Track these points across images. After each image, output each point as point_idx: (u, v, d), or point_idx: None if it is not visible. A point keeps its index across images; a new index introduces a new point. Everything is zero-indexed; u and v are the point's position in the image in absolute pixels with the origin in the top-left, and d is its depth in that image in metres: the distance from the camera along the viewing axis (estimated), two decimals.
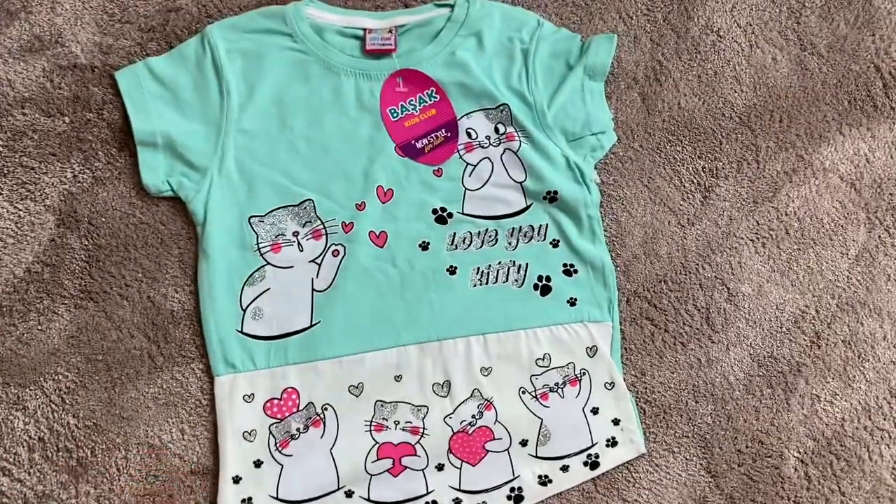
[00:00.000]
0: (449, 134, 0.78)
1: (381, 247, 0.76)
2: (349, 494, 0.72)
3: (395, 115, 0.78)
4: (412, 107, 0.78)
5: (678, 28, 0.84)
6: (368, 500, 0.72)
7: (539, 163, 0.78)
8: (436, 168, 0.78)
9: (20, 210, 0.74)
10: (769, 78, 0.84)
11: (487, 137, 0.78)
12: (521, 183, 0.78)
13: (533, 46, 0.80)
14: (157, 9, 0.79)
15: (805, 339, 0.80)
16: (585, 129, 0.79)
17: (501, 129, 0.78)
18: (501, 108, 0.78)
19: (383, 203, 0.76)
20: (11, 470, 0.70)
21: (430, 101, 0.78)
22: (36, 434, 0.71)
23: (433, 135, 0.78)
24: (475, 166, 0.78)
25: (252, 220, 0.74)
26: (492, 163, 0.78)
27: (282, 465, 0.72)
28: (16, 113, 0.75)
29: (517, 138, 0.78)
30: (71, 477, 0.71)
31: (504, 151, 0.78)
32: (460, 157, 0.78)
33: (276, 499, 0.71)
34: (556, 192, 0.77)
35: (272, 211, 0.75)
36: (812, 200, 0.83)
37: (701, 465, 0.77)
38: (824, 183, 0.83)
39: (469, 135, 0.78)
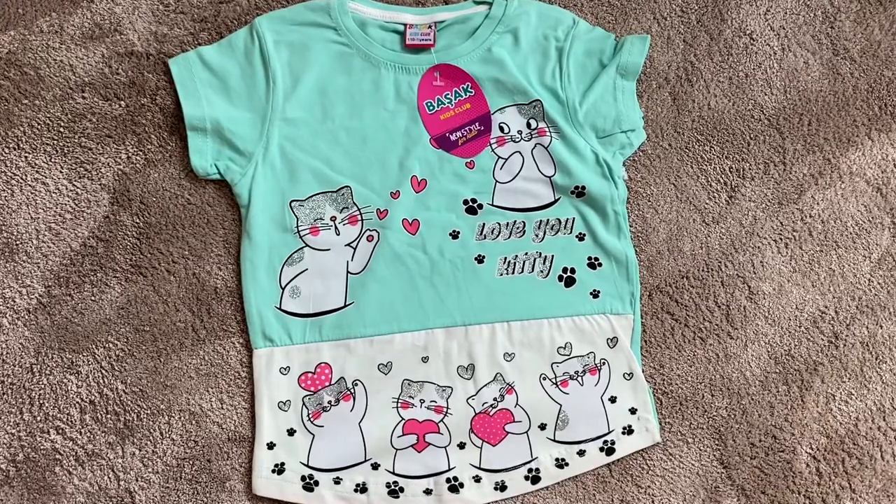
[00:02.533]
0: (482, 128, 0.81)
1: (414, 234, 0.79)
2: (375, 466, 0.76)
3: (431, 108, 0.81)
4: (448, 100, 0.81)
5: (711, 30, 0.86)
6: (393, 472, 0.76)
7: (569, 158, 0.80)
8: (468, 160, 0.81)
9: (78, 188, 0.79)
10: (800, 81, 0.86)
11: (519, 132, 0.81)
12: (550, 177, 0.81)
13: (567, 44, 0.82)
14: (209, 0, 0.83)
15: (823, 339, 0.82)
16: (616, 126, 0.81)
17: (533, 124, 0.81)
18: (534, 103, 0.81)
19: (417, 192, 0.80)
20: (65, 429, 0.76)
21: (466, 95, 0.81)
22: (87, 397, 0.76)
23: (467, 128, 0.81)
24: (506, 160, 0.81)
25: (293, 204, 0.78)
26: (522, 157, 0.81)
27: (313, 435, 0.76)
28: (76, 96, 0.80)
29: (548, 134, 0.81)
30: (118, 438, 0.76)
31: (535, 146, 0.81)
32: (492, 150, 0.81)
33: (307, 466, 0.76)
34: (584, 188, 0.80)
35: (312, 196, 0.79)
36: (837, 203, 0.84)
37: (714, 456, 0.79)
38: (850, 187, 0.84)
39: (502, 129, 0.81)
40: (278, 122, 0.79)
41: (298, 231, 0.78)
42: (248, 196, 0.78)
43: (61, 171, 0.79)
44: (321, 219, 0.79)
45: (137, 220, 0.79)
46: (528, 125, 0.81)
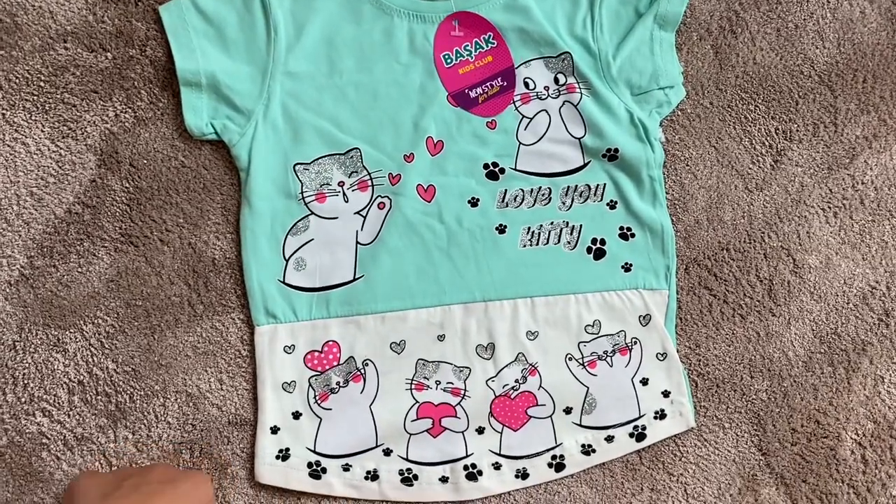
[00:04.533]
0: (505, 83, 0.74)
1: (429, 201, 0.73)
2: (387, 452, 0.71)
3: (448, 61, 0.73)
4: (467, 53, 0.74)
5: None
6: (407, 459, 0.71)
7: (600, 117, 0.73)
8: (489, 120, 0.73)
9: (61, 149, 0.73)
10: (855, 34, 0.78)
11: (546, 88, 0.74)
12: (579, 139, 0.73)
13: None
14: None
15: (873, 317, 0.76)
16: (653, 82, 0.74)
17: (562, 79, 0.74)
18: (563, 56, 0.73)
19: (433, 155, 0.73)
20: (51, 411, 0.70)
21: (487, 46, 0.74)
22: (76, 377, 0.71)
23: (488, 84, 0.74)
24: (531, 119, 0.74)
25: (297, 168, 0.72)
26: (549, 116, 0.74)
27: (320, 419, 0.71)
28: (58, 47, 0.73)
29: (578, 90, 0.73)
30: (109, 421, 0.71)
31: (563, 104, 0.74)
32: (516, 108, 0.74)
33: (314, 451, 0.70)
34: (616, 150, 0.73)
35: (318, 159, 0.72)
36: (892, 168, 0.77)
37: (752, 442, 0.74)
38: None
39: (526, 85, 0.74)
40: (280, 76, 0.72)
41: (303, 197, 0.72)
42: (247, 158, 0.71)
43: (42, 131, 0.73)
44: (328, 184, 0.72)
45: (127, 185, 0.73)
46: (556, 81, 0.74)
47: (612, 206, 0.74)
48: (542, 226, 0.73)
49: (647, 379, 0.73)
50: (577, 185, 0.74)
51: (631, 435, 0.73)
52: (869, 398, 0.75)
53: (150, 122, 0.73)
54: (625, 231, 0.74)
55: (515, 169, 0.73)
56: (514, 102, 0.74)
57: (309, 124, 0.72)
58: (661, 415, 0.73)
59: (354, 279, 0.71)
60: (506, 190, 0.73)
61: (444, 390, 0.72)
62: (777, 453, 0.74)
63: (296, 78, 0.72)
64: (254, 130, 0.71)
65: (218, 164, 0.73)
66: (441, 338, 0.72)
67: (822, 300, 0.76)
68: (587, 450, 0.72)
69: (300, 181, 0.72)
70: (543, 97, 0.74)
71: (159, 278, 0.72)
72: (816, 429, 0.74)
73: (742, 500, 0.74)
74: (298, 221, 0.72)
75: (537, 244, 0.73)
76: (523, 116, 0.74)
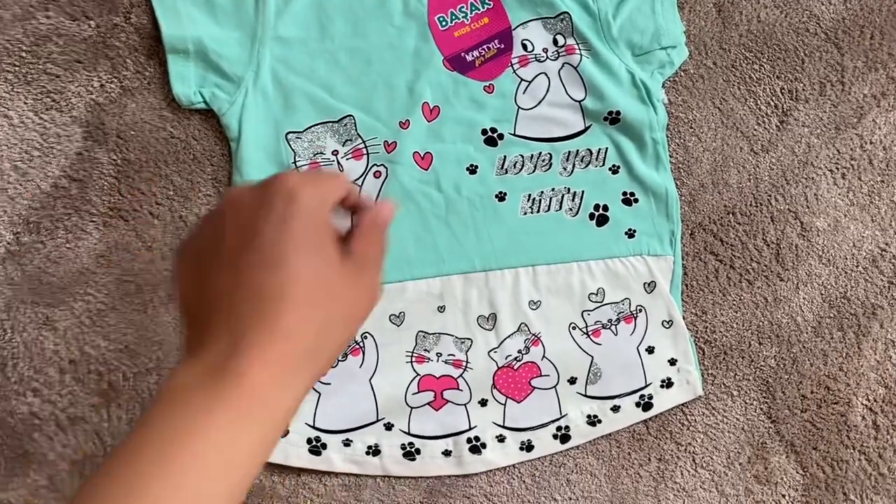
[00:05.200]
0: (502, 46, 0.71)
1: (426, 169, 0.70)
2: (389, 427, 0.69)
3: (443, 23, 0.71)
4: (463, 14, 0.71)
5: None
6: (409, 433, 0.69)
7: (601, 79, 0.71)
8: (487, 84, 0.71)
9: (45, 121, 0.70)
10: None
11: (545, 50, 0.71)
12: (579, 102, 0.71)
13: None
14: None
15: (883, 280, 0.74)
16: (654, 42, 0.71)
17: (561, 40, 0.71)
18: (562, 16, 0.71)
19: (429, 122, 0.71)
20: (42, 391, 0.69)
21: (483, 8, 0.71)
22: (66, 355, 0.69)
23: (485, 46, 0.71)
24: (530, 82, 0.71)
25: (289, 137, 0.69)
26: (548, 79, 0.71)
27: (319, 393, 0.69)
28: (39, 16, 0.70)
29: (578, 51, 0.71)
30: (102, 400, 0.69)
31: (562, 66, 0.71)
32: (514, 71, 0.71)
33: (313, 427, 0.69)
34: (618, 113, 0.71)
35: (310, 127, 0.70)
36: None
37: (761, 409, 0.72)
38: None
39: (524, 47, 0.71)
40: (270, 41, 0.69)
41: (297, 167, 0.69)
42: (237, 128, 0.69)
43: (26, 103, 0.70)
44: (321, 153, 0.70)
45: (115, 157, 0.70)
46: (555, 42, 0.71)
47: (614, 170, 0.72)
48: (542, 192, 0.71)
49: (653, 347, 0.71)
50: (578, 150, 0.72)
51: (637, 404, 0.71)
52: (880, 363, 0.73)
53: (137, 92, 0.71)
54: (628, 196, 0.72)
55: (514, 134, 0.71)
56: (512, 65, 0.71)
57: (300, 91, 0.70)
58: (667, 383, 0.71)
59: None
60: (505, 156, 0.71)
61: (446, 362, 0.70)
62: (787, 420, 0.72)
63: (286, 43, 0.70)
64: (243, 98, 0.69)
65: (208, 134, 0.71)
66: (441, 309, 0.70)
67: (830, 263, 0.74)
68: (593, 420, 0.70)
69: (292, 150, 0.69)
70: (542, 59, 0.71)
71: (150, 252, 0.70)
72: (826, 395, 0.73)
73: (752, 468, 0.72)
74: None
75: (538, 211, 0.71)
76: (522, 80, 0.71)
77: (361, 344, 0.69)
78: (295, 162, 0.69)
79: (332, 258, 0.37)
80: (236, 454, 0.33)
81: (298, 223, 0.36)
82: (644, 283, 0.71)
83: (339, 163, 0.70)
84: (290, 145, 0.69)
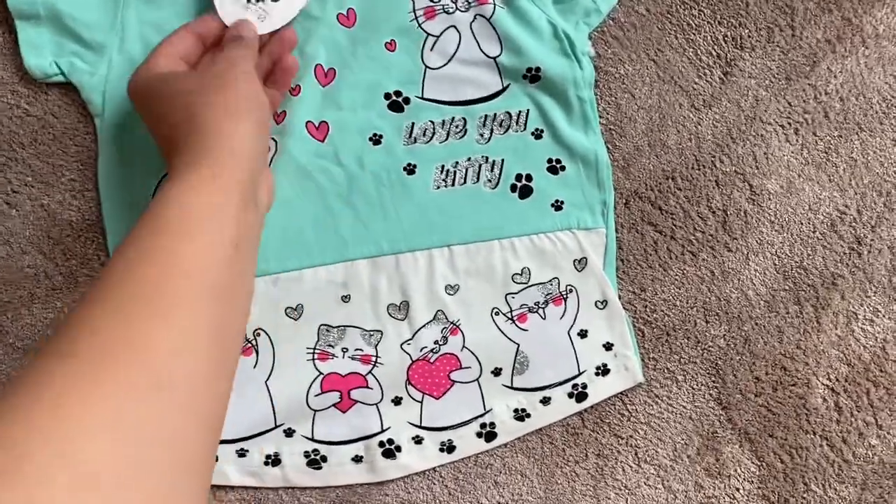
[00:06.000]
0: None
1: (322, 141, 0.62)
2: (289, 433, 0.62)
3: None
4: None
5: None
6: (312, 438, 0.62)
7: (518, 32, 0.63)
8: (388, 40, 0.63)
9: None
10: None
11: (454, 1, 0.63)
12: (495, 58, 0.63)
13: None
14: None
15: (843, 246, 0.66)
16: None
17: None
18: None
19: (323, 86, 0.62)
20: None
21: None
22: None
23: None
24: (438, 38, 0.63)
25: None
26: (459, 33, 0.63)
27: None
28: None
29: (491, 1, 0.63)
30: None
31: (474, 18, 0.63)
32: (419, 25, 0.63)
33: None
34: (538, 69, 0.63)
35: None
36: (859, 76, 0.67)
37: (710, 395, 0.65)
38: (876, 53, 0.67)
39: None
40: (135, 2, 0.61)
41: None
42: (101, 102, 0.61)
43: None
44: None
45: None
46: None
47: (537, 135, 0.64)
48: (457, 163, 0.63)
49: (586, 331, 0.64)
50: (495, 114, 0.64)
51: (570, 395, 0.64)
52: (841, 338, 0.66)
53: None
54: (553, 164, 0.64)
55: (422, 98, 0.63)
56: (416, 18, 0.63)
57: None
58: (603, 370, 0.64)
59: None
60: (413, 123, 0.63)
61: (353, 358, 0.62)
62: (739, 406, 0.65)
63: (155, 4, 0.61)
64: (107, 68, 0.61)
65: (69, 110, 0.62)
66: (346, 298, 0.62)
67: (784, 230, 0.66)
68: (521, 415, 0.63)
69: None
70: (451, 11, 0.63)
71: (9, 248, 0.62)
72: (783, 376, 0.66)
73: (702, 460, 0.65)
74: (166, 174, 0.61)
75: (453, 184, 0.63)
76: (428, 35, 0.63)
77: (254, 342, 0.61)
78: None
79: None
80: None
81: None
82: (574, 261, 0.64)
83: None
84: None
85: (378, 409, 0.63)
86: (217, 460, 0.61)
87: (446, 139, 0.63)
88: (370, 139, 0.63)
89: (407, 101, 0.63)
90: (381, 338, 0.62)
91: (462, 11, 0.63)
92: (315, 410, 0.62)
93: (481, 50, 0.63)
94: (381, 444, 0.62)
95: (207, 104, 0.47)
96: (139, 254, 0.40)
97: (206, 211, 0.43)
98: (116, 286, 0.38)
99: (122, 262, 0.39)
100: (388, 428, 0.63)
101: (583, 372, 0.64)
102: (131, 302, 0.37)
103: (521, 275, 0.63)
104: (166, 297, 0.38)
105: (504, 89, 0.64)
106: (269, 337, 0.62)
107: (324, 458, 0.62)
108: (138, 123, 0.61)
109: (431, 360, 0.63)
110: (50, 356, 0.35)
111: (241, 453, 0.61)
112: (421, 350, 0.63)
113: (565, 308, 0.64)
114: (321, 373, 0.62)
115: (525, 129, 0.64)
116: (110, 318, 0.36)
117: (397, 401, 0.63)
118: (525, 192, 0.64)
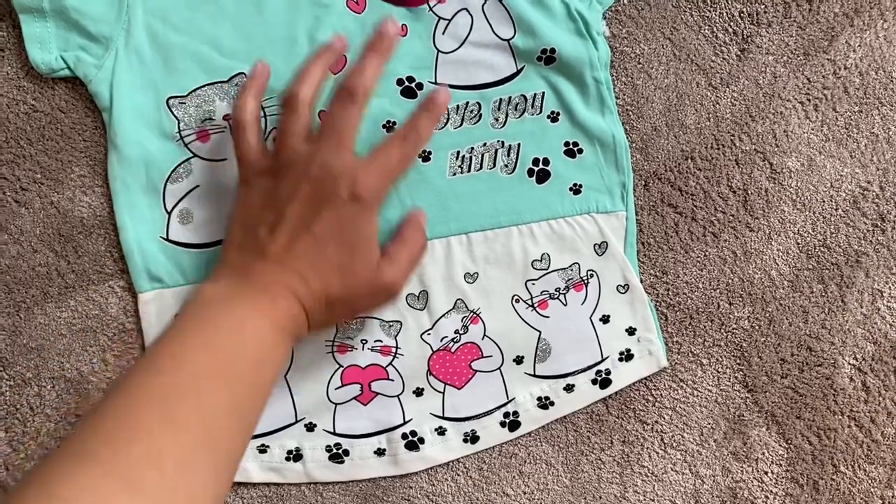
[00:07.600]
0: None
1: None
2: (311, 427, 0.61)
3: None
4: None
5: None
6: (334, 432, 0.61)
7: (531, 13, 0.61)
8: (399, 25, 0.62)
9: None
10: None
11: None
12: (508, 40, 0.62)
13: None
14: None
15: (866, 223, 0.65)
16: None
17: None
18: None
19: (335, 74, 0.61)
20: None
21: None
22: None
23: None
24: (449, 21, 0.62)
25: (171, 102, 0.60)
26: (471, 15, 0.62)
27: None
28: None
29: None
30: None
31: (486, 0, 0.62)
32: (430, 8, 0.62)
33: None
34: (553, 51, 0.61)
35: (196, 90, 0.60)
36: (878, 49, 0.65)
37: (736, 378, 0.64)
38: (895, 26, 0.66)
39: None
40: None
41: (182, 137, 0.60)
42: (108, 96, 0.59)
43: None
44: (211, 119, 0.60)
45: None
46: None
47: (553, 118, 0.63)
48: (472, 148, 0.62)
49: (608, 316, 0.63)
50: (510, 97, 0.62)
51: (594, 381, 0.63)
52: (867, 316, 0.65)
53: None
54: (571, 147, 0.63)
55: (436, 82, 0.62)
56: (427, 2, 0.62)
57: (182, 49, 0.60)
58: (627, 356, 0.63)
59: None
60: None
61: (373, 350, 0.61)
62: (765, 388, 0.64)
63: None
64: (114, 61, 0.59)
65: (77, 105, 0.61)
66: None
67: (806, 208, 0.65)
68: (544, 403, 0.62)
69: (176, 117, 0.60)
70: None
71: (19, 246, 0.61)
72: (809, 357, 0.64)
73: (729, 444, 0.64)
74: (178, 166, 0.60)
75: (469, 171, 0.62)
76: (440, 18, 0.62)
77: None
78: (180, 131, 0.60)
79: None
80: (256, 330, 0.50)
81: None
82: (594, 245, 0.62)
83: (231, 129, 0.60)
84: (172, 112, 0.60)
85: (400, 401, 0.62)
86: None
87: (461, 124, 0.62)
88: (384, 126, 0.62)
89: (420, 86, 0.62)
90: (400, 328, 0.61)
91: None
92: (336, 404, 0.61)
93: (494, 32, 0.62)
94: (404, 436, 0.61)
95: (361, 298, 0.54)
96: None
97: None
98: None
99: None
100: (411, 420, 0.62)
101: (606, 358, 0.63)
102: None
103: (540, 261, 0.62)
104: None
105: (518, 72, 0.62)
106: None
107: (346, 452, 0.61)
108: (143, 118, 0.60)
109: (453, 350, 0.62)
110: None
111: (262, 449, 0.60)
112: (441, 340, 0.62)
113: (586, 293, 0.63)
114: (341, 365, 0.61)
115: (541, 112, 0.63)
116: None
117: (419, 392, 0.62)
118: (542, 177, 0.63)
